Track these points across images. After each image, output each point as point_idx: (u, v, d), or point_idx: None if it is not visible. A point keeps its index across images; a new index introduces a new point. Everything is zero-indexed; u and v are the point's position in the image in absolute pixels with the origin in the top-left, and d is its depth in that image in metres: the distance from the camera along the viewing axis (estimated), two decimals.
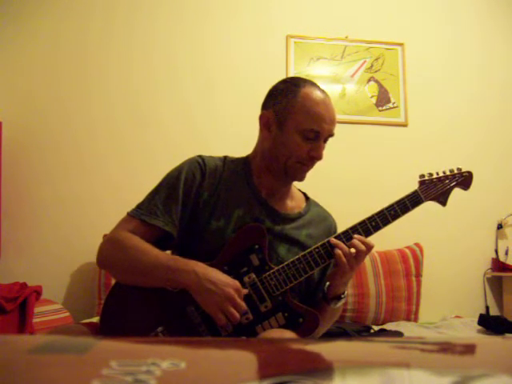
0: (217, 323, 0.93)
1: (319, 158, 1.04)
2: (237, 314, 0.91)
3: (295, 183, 1.17)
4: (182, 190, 1.04)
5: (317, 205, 1.20)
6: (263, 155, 1.09)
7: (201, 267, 0.93)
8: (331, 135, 1.05)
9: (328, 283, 1.07)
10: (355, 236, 1.00)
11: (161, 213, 1.01)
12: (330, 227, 1.17)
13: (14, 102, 2.30)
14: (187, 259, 0.96)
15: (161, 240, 1.03)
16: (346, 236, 1.02)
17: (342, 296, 1.06)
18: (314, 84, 1.06)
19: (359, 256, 0.99)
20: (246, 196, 1.08)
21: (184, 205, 1.04)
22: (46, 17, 2.37)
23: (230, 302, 0.90)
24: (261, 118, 1.08)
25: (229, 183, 1.08)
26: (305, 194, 1.21)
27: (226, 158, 1.14)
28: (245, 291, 0.95)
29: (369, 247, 0.99)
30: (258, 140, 1.13)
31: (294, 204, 1.14)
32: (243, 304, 0.92)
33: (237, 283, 0.93)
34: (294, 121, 1.02)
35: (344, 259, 0.98)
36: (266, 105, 1.09)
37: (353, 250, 0.99)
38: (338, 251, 0.98)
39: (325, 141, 1.05)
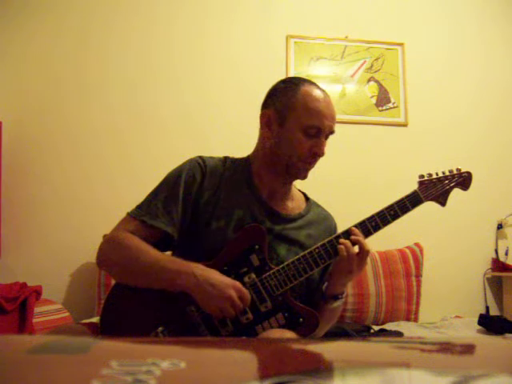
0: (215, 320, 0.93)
1: (321, 154, 1.04)
2: (233, 312, 0.91)
3: (295, 183, 1.17)
4: (182, 191, 1.03)
5: (317, 205, 1.20)
6: (264, 155, 1.09)
7: (200, 269, 0.93)
8: (332, 132, 1.06)
9: (326, 282, 1.07)
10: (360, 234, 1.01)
11: (161, 213, 1.01)
12: (331, 227, 1.17)
13: (14, 102, 2.30)
14: (186, 261, 0.96)
15: (161, 241, 1.03)
16: (347, 236, 1.02)
17: (340, 297, 1.06)
18: (312, 83, 1.07)
19: (363, 256, 0.99)
20: (246, 196, 1.08)
21: (184, 205, 1.04)
22: (45, 17, 2.36)
23: (229, 302, 0.90)
24: (261, 116, 1.08)
25: (229, 184, 1.08)
26: (305, 195, 1.21)
27: (226, 158, 1.14)
28: (246, 292, 0.95)
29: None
30: (258, 140, 1.13)
31: (295, 204, 1.14)
32: (241, 304, 0.92)
33: (237, 284, 0.93)
34: (295, 118, 1.02)
35: (345, 253, 0.98)
36: (266, 104, 1.10)
37: (356, 249, 1.00)
38: (342, 246, 0.99)
39: (326, 138, 1.05)
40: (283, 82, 1.10)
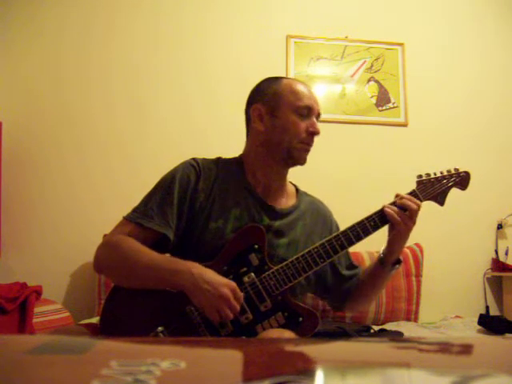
0: (213, 322, 0.93)
1: (317, 132, 1.08)
2: (231, 315, 0.90)
3: (289, 176, 1.18)
4: (177, 193, 1.04)
5: (307, 194, 1.22)
6: (258, 149, 1.11)
7: (197, 268, 0.93)
8: (320, 114, 1.11)
9: (383, 248, 1.10)
10: (404, 196, 1.05)
11: (156, 216, 1.01)
12: (325, 215, 1.20)
13: (14, 102, 2.29)
14: (183, 260, 0.96)
15: (158, 243, 1.02)
16: (345, 235, 1.03)
17: (398, 266, 1.10)
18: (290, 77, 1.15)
19: (412, 215, 1.02)
20: (242, 195, 1.09)
21: (180, 207, 1.04)
22: (47, 16, 2.36)
23: (225, 301, 0.90)
24: (252, 111, 1.10)
25: (224, 184, 1.09)
26: (295, 186, 1.22)
27: (219, 159, 1.15)
28: (241, 294, 0.95)
29: (418, 205, 1.04)
30: (248, 138, 1.15)
31: (289, 198, 1.16)
32: (237, 305, 0.91)
33: (233, 284, 0.93)
34: (286, 103, 1.07)
35: (397, 217, 1.02)
36: (251, 101, 1.13)
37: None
38: (390, 211, 1.02)
39: (316, 119, 1.10)
40: (264, 80, 1.15)
